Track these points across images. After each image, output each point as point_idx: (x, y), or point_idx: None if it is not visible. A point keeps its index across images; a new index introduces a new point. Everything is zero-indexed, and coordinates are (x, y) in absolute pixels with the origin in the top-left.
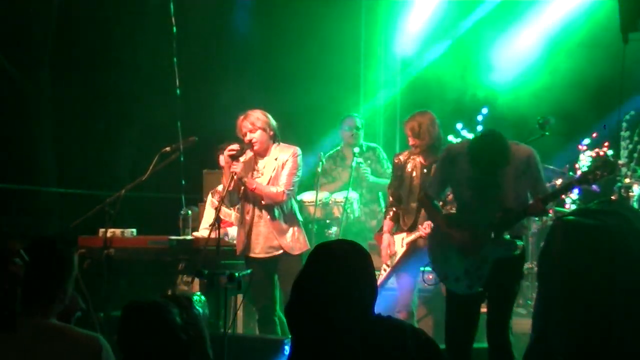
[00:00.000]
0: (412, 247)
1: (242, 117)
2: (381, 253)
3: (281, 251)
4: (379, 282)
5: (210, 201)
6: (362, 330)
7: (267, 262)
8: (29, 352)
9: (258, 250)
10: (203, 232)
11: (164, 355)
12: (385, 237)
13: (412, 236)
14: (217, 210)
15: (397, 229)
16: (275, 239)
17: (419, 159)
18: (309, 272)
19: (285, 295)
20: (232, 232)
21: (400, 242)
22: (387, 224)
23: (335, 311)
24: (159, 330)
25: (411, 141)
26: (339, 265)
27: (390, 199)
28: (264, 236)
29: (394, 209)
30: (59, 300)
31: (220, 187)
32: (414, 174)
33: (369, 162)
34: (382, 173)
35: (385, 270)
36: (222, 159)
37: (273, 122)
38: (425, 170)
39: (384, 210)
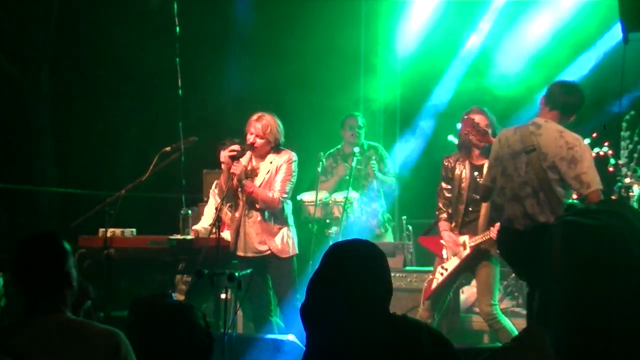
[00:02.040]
0: (476, 250)
1: (255, 117)
2: (446, 248)
3: (269, 252)
4: (434, 286)
5: (214, 193)
6: (377, 330)
7: (256, 263)
8: (48, 349)
9: (246, 250)
10: (203, 224)
11: (187, 357)
12: (446, 234)
13: (479, 239)
14: (218, 210)
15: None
16: (264, 241)
17: (468, 162)
18: (324, 272)
19: (277, 296)
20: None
21: (462, 244)
22: (444, 224)
23: (351, 310)
24: (188, 334)
25: (481, 139)
26: (354, 264)
27: (442, 200)
28: (251, 237)
29: (448, 210)
30: (67, 290)
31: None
32: (464, 176)
33: (373, 159)
34: (387, 172)
35: (442, 274)
36: (223, 156)
37: (280, 133)
38: (476, 173)
39: (384, 208)
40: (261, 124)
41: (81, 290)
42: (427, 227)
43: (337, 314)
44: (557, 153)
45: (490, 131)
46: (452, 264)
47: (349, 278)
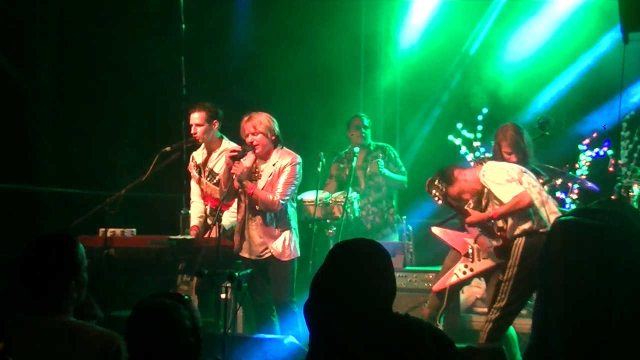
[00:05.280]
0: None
1: (245, 119)
2: (478, 249)
3: (269, 254)
4: (452, 281)
5: (192, 174)
6: (380, 329)
7: (258, 264)
8: (46, 351)
9: (249, 252)
10: (194, 212)
11: (172, 357)
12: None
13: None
14: (218, 210)
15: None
16: (265, 243)
17: None
18: (328, 271)
19: (274, 298)
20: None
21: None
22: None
23: (354, 310)
24: (169, 332)
25: (514, 157)
26: (358, 264)
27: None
28: (254, 239)
29: None
30: (70, 295)
31: (194, 153)
32: None
33: (379, 158)
34: (398, 171)
35: (465, 273)
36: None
37: (276, 127)
38: None
39: (395, 208)
40: (252, 123)
41: (84, 307)
42: (444, 218)
43: (340, 313)
44: None
45: (513, 151)
46: (480, 265)
47: (352, 277)
